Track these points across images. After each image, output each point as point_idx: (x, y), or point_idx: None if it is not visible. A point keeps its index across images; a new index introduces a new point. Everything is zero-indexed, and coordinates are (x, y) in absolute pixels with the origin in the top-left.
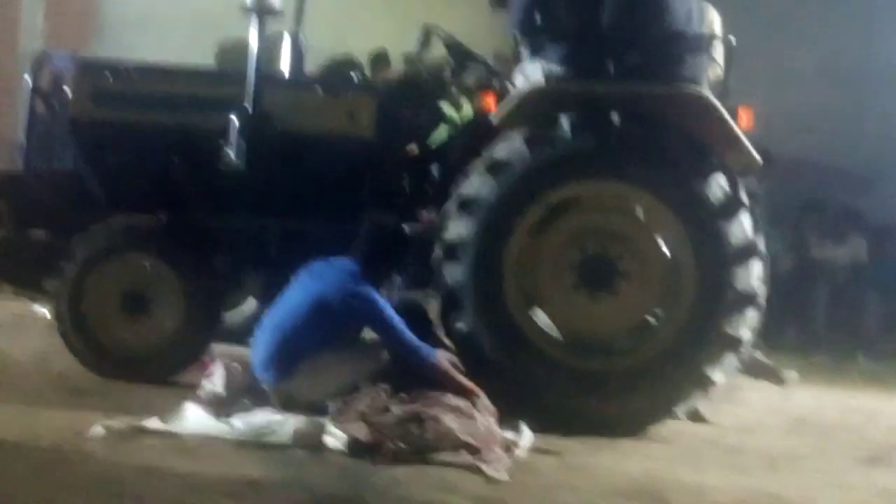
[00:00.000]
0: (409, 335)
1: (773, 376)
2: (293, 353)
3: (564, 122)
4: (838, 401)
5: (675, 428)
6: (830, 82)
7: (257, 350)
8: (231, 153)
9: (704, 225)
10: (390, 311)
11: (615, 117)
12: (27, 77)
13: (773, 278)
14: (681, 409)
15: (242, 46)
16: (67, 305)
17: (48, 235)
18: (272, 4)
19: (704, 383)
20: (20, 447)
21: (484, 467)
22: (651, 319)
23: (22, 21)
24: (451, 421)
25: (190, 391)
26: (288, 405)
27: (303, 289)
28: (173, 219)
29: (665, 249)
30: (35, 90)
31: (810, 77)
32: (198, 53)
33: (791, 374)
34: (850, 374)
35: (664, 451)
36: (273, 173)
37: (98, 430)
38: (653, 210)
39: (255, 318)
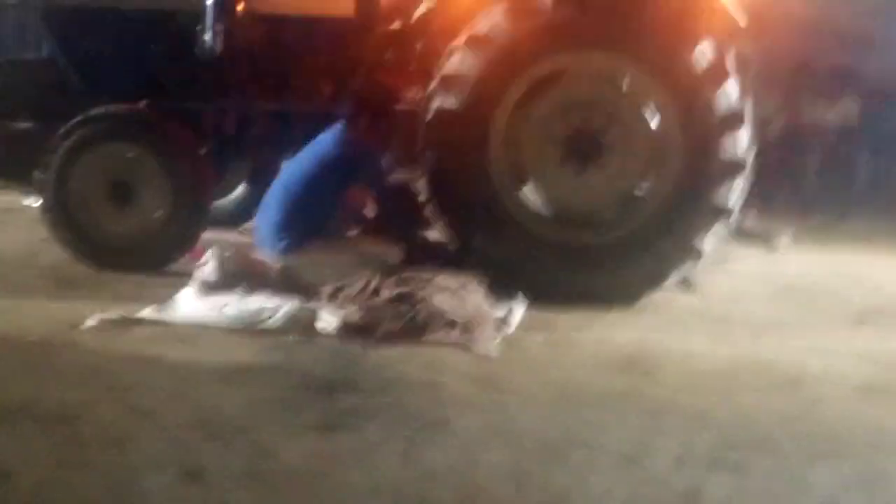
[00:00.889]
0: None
1: (764, 242)
2: (305, 212)
3: None
4: (827, 265)
5: (663, 299)
6: None
7: (264, 223)
8: (208, 34)
9: (689, 94)
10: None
11: None
12: None
13: (764, 142)
14: (670, 280)
15: None
16: (53, 197)
17: (30, 126)
18: None
19: (693, 253)
20: (11, 340)
21: (474, 345)
22: (638, 191)
23: None
24: (441, 301)
25: (183, 280)
26: (289, 281)
27: (303, 156)
28: (155, 106)
29: (650, 121)
30: None
31: None
32: None
33: (783, 239)
34: (842, 236)
35: (652, 322)
36: (253, 56)
37: (90, 321)
38: (637, 80)
39: (245, 204)
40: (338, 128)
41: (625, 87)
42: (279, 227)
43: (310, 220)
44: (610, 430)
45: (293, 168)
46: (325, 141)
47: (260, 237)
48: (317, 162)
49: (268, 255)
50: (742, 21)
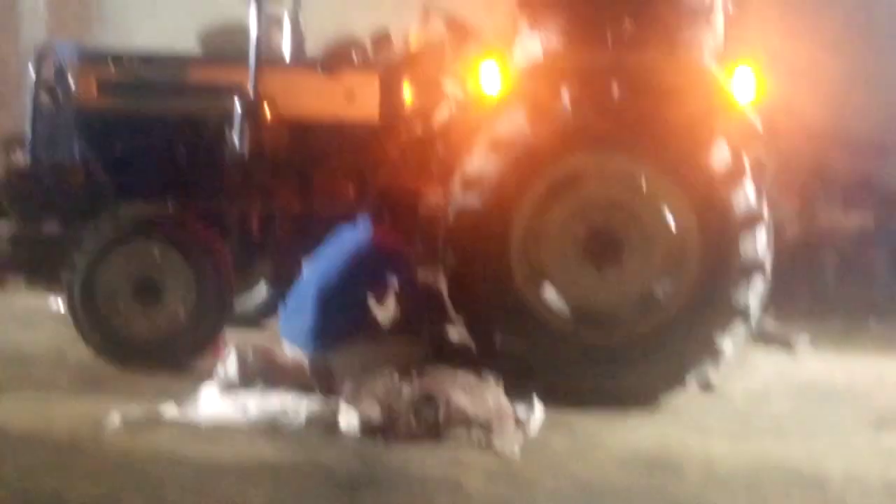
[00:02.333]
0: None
1: (783, 343)
2: (339, 312)
3: (564, 95)
4: (848, 366)
5: (684, 398)
6: (841, 47)
7: (295, 323)
8: (235, 138)
9: (708, 194)
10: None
11: (615, 89)
12: (31, 68)
13: (782, 245)
14: (690, 380)
15: (228, 31)
16: (80, 296)
17: (58, 228)
18: None
19: (713, 353)
20: (36, 437)
21: (496, 444)
22: (658, 290)
23: (23, 10)
24: (461, 399)
25: (204, 377)
26: (313, 379)
27: (331, 256)
28: (181, 206)
29: (669, 220)
30: (39, 81)
31: (820, 42)
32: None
33: (802, 339)
34: (861, 339)
35: (674, 421)
36: (277, 157)
37: (114, 418)
38: (656, 181)
39: (266, 303)
40: (361, 228)
41: (644, 188)
42: (315, 327)
43: (343, 320)
44: None
45: (323, 268)
46: (349, 241)
47: (290, 336)
48: (347, 263)
49: (296, 354)
50: (759, 126)
